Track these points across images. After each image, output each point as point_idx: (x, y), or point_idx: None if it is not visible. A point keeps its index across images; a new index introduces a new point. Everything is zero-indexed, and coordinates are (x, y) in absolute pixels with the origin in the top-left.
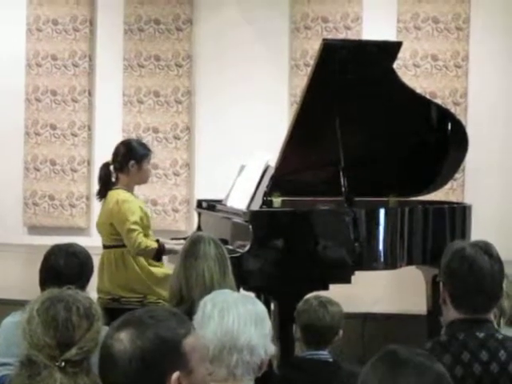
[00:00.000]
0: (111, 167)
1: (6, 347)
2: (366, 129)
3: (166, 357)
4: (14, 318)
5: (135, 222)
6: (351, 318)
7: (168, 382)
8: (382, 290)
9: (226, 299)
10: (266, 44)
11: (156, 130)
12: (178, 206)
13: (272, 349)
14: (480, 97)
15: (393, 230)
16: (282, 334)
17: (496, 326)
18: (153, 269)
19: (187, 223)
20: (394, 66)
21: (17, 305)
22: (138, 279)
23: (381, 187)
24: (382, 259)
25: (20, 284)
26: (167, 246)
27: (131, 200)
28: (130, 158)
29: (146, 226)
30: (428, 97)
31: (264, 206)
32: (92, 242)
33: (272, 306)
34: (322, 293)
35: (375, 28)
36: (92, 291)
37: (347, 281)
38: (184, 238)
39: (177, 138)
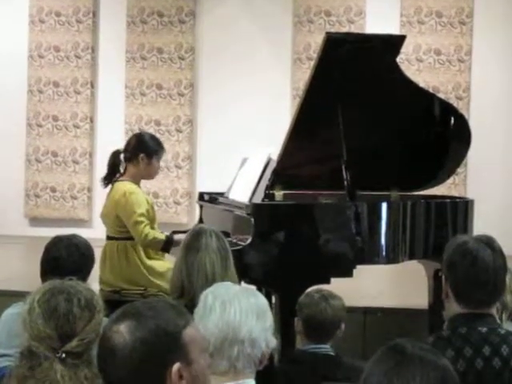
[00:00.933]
0: (121, 156)
1: (6, 338)
2: (368, 122)
3: (167, 348)
4: (15, 310)
5: (142, 214)
6: (352, 312)
7: (169, 373)
8: (384, 285)
9: (228, 292)
10: (268, 37)
11: (158, 123)
12: (180, 199)
13: (273, 342)
14: (483, 91)
15: (395, 224)
16: (284, 328)
17: (498, 321)
18: (153, 262)
19: (189, 216)
20: (397, 60)
21: (18, 296)
22: (139, 272)
23: (383, 181)
24: (384, 253)
25: (21, 275)
26: (176, 237)
27: (138, 192)
28: (140, 151)
29: (152, 218)
30: (431, 91)
31: (266, 199)
32: (94, 233)
33: (273, 300)
34: (323, 286)
35: (378, 22)
36: (93, 282)
37: (349, 275)
38: (186, 231)
39: (179, 130)
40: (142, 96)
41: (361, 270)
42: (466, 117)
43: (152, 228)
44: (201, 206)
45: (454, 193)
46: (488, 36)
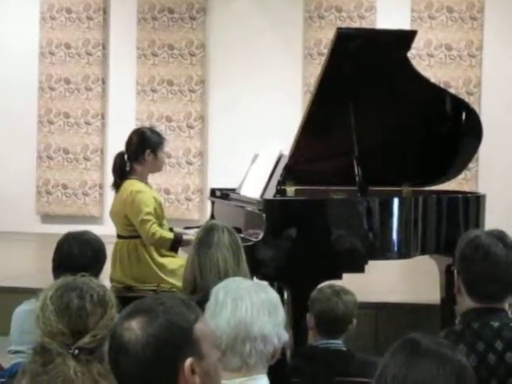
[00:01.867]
0: (125, 157)
1: (18, 335)
2: (379, 118)
3: (179, 343)
4: (27, 306)
5: (149, 213)
6: (364, 308)
7: (181, 368)
8: (396, 280)
9: (239, 287)
10: (279, 33)
11: (169, 119)
12: (191, 195)
13: (285, 336)
14: (493, 86)
15: (406, 220)
16: (296, 323)
17: (510, 316)
18: (165, 260)
19: (200, 212)
20: (408, 55)
21: (30, 293)
22: (150, 270)
23: (394, 177)
24: (396, 249)
25: (33, 272)
26: (185, 237)
27: (145, 190)
28: (146, 148)
29: (160, 216)
30: (442, 86)
31: (277, 195)
32: (105, 230)
33: (285, 295)
34: (335, 282)
35: (389, 18)
36: (105, 279)
37: (361, 270)
38: (197, 227)
39: (190, 126)
40: (153, 92)
41: (373, 266)
42: (477, 112)
43: (160, 225)
44: (212, 202)
45: (466, 188)
46: (499, 31)
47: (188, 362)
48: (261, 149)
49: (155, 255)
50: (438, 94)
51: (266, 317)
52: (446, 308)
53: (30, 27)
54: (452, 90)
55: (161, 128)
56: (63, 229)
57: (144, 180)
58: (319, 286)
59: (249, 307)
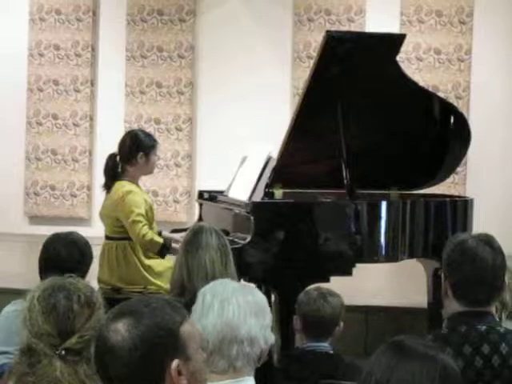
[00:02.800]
0: (117, 158)
1: (5, 336)
2: (368, 121)
3: (165, 345)
4: (14, 307)
5: (140, 214)
6: (352, 311)
7: (168, 370)
8: (383, 283)
9: (226, 289)
10: (268, 36)
11: (158, 121)
12: (179, 197)
13: (272, 338)
14: (482, 91)
15: (394, 223)
16: (283, 326)
17: (497, 319)
18: (152, 262)
19: (188, 214)
20: (397, 59)
21: (17, 294)
22: (138, 272)
23: (383, 180)
24: (383, 252)
25: (21, 273)
26: (174, 245)
27: (136, 192)
28: (139, 150)
29: (150, 219)
30: (431, 90)
31: (265, 198)
32: (93, 232)
33: (272, 298)
34: (322, 285)
35: (378, 21)
36: (92, 280)
37: (348, 273)
38: (185, 229)
39: (178, 129)
40: (142, 94)
41: (360, 269)
42: (466, 116)
43: (150, 228)
44: (200, 205)
45: (454, 192)
46: (488, 35)
47: (174, 363)
48: (249, 151)
49: (142, 257)
50: (426, 97)
51: (253, 319)
52: (433, 312)
53: (19, 28)
54: (441, 94)
55: (149, 130)
56: (51, 230)
57: (135, 182)
58: (306, 289)
59: (236, 309)
